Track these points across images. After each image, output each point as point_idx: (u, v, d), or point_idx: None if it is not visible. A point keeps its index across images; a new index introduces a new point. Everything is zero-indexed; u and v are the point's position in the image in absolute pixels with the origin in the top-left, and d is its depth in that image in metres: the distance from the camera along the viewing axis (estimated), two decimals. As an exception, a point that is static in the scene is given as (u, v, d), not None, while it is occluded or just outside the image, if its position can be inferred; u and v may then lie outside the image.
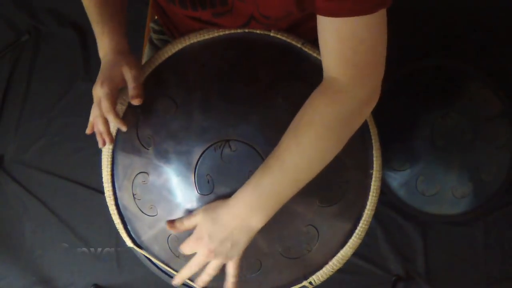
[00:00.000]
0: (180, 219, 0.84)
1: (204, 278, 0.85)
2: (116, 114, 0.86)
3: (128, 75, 0.86)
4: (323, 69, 0.79)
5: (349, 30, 0.71)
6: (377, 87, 0.77)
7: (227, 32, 0.91)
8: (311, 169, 0.78)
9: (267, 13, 0.84)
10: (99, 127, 0.88)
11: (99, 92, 0.86)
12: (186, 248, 0.83)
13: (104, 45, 0.90)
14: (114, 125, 0.91)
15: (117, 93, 0.87)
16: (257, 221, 0.79)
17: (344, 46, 0.72)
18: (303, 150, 0.76)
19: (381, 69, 0.76)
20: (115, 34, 0.90)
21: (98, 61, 1.87)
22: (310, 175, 0.79)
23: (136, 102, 0.85)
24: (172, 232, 0.88)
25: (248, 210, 0.78)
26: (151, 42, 1.22)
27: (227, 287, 0.84)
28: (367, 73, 0.75)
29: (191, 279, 0.90)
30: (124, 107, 0.92)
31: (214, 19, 0.88)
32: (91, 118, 0.91)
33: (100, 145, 0.89)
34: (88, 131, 0.92)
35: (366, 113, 0.79)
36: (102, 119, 0.87)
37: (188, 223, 0.83)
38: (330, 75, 0.77)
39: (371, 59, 0.74)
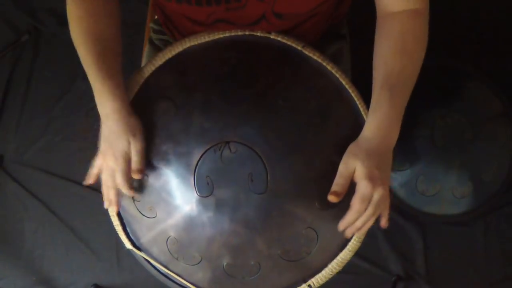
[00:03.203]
0: (336, 184, 0.83)
1: (370, 224, 0.86)
2: (131, 187, 0.89)
3: (133, 149, 0.88)
4: (393, 8, 0.87)
5: None
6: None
7: (227, 34, 0.91)
8: (417, 76, 0.88)
9: (282, 11, 0.87)
10: (110, 197, 0.91)
11: (112, 164, 0.89)
12: (360, 200, 0.83)
13: (106, 104, 0.88)
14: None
15: (129, 167, 0.89)
16: (395, 136, 0.86)
17: None
18: (417, 64, 0.87)
19: None
20: (116, 95, 0.88)
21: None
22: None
23: (136, 176, 0.88)
24: (171, 235, 0.88)
25: (390, 128, 0.85)
26: (151, 42, 1.22)
27: (385, 218, 0.87)
28: None
29: (187, 279, 0.91)
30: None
31: (226, 14, 0.88)
32: (95, 170, 0.92)
33: (106, 206, 0.93)
34: (89, 181, 0.93)
35: None
36: (115, 191, 0.90)
37: (346, 180, 0.83)
38: (409, 8, 0.87)
39: None
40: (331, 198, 0.82)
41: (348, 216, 0.85)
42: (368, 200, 0.83)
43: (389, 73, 0.85)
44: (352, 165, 0.83)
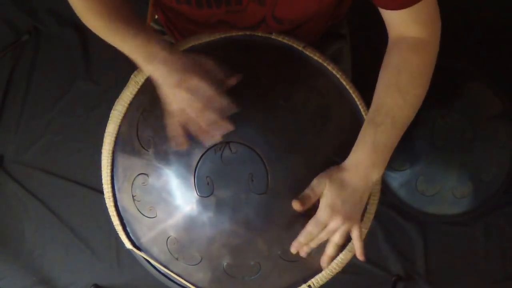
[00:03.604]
0: (303, 195, 0.83)
1: (331, 251, 0.86)
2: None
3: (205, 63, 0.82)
4: (398, 35, 0.85)
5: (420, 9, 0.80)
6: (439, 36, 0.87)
7: (228, 34, 0.91)
8: (413, 116, 0.86)
9: (282, 16, 0.86)
10: (211, 118, 0.80)
11: (196, 81, 0.79)
12: (315, 225, 0.83)
13: (158, 50, 0.81)
14: (114, 126, 0.91)
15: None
16: (376, 176, 0.84)
17: (418, 16, 0.82)
18: (410, 102, 0.84)
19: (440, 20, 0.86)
20: (161, 39, 0.83)
21: (98, 61, 1.87)
22: (411, 120, 0.86)
23: (233, 79, 0.83)
24: (172, 235, 0.88)
25: (370, 168, 0.83)
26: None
27: (359, 251, 0.86)
28: (437, 26, 0.86)
29: (187, 279, 0.91)
30: (125, 108, 0.92)
31: (226, 17, 0.88)
32: (176, 132, 0.83)
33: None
34: (184, 146, 0.84)
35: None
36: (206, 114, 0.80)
37: (314, 195, 0.83)
38: (410, 35, 0.84)
39: (436, 14, 0.85)
40: (294, 204, 0.82)
41: (299, 237, 0.85)
42: (322, 226, 0.83)
43: (378, 109, 0.83)
44: (323, 186, 0.83)
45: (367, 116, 0.85)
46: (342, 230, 0.84)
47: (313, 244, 0.86)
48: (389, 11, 0.82)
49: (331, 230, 0.84)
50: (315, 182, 0.84)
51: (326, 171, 0.84)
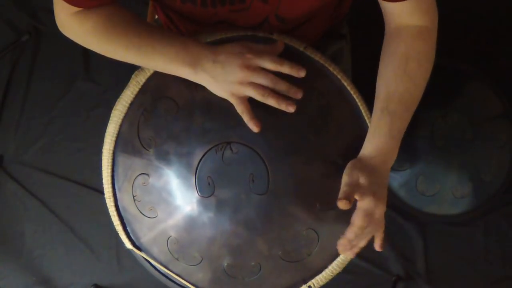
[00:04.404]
0: (343, 192, 0.79)
1: (381, 237, 0.86)
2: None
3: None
4: (399, 24, 0.86)
5: None
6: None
7: (229, 35, 0.91)
8: (420, 98, 0.88)
9: (285, 15, 0.86)
10: (281, 86, 0.82)
11: (256, 61, 0.81)
12: (368, 204, 0.80)
13: (196, 50, 0.83)
14: (114, 126, 0.91)
15: None
16: (394, 160, 0.86)
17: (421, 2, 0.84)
18: (420, 87, 0.86)
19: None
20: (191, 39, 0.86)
21: (98, 61, 1.87)
22: (420, 100, 0.88)
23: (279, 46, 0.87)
24: (172, 235, 0.88)
25: (389, 154, 0.85)
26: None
27: (378, 243, 0.86)
28: (436, 12, 0.87)
29: (187, 279, 0.91)
30: (125, 108, 0.92)
31: (230, 15, 0.88)
32: (250, 115, 0.83)
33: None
34: (258, 125, 0.83)
35: None
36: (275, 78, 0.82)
37: (351, 189, 0.79)
38: (413, 24, 0.85)
39: (434, 1, 0.86)
40: (341, 204, 0.77)
41: (349, 233, 0.82)
42: (370, 217, 0.81)
43: (390, 97, 0.84)
44: (356, 177, 0.81)
45: (377, 104, 0.85)
46: (382, 216, 0.83)
47: (362, 243, 0.84)
48: (391, 3, 0.83)
49: (377, 220, 0.82)
50: (346, 177, 0.81)
51: (349, 165, 0.83)
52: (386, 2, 0.84)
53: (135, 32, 0.85)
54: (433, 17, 0.87)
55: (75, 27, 0.88)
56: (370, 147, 0.85)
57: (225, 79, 0.81)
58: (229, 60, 0.81)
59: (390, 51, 0.87)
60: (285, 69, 0.82)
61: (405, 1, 0.82)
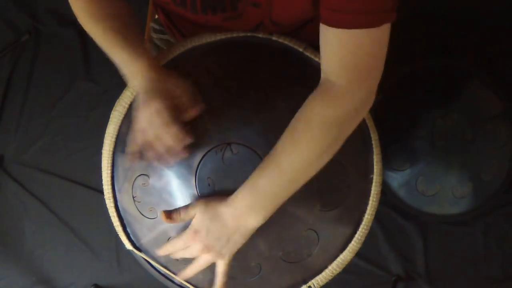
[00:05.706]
0: (177, 210, 0.81)
1: (189, 272, 0.84)
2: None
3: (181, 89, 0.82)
4: (322, 71, 0.79)
5: (352, 40, 0.72)
6: (373, 91, 0.78)
7: (229, 35, 0.91)
8: (307, 170, 0.79)
9: (279, 19, 0.85)
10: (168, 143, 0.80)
11: (157, 105, 0.77)
12: (180, 241, 0.82)
13: (141, 67, 0.81)
14: (114, 127, 0.91)
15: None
16: (253, 222, 0.79)
17: (345, 52, 0.74)
18: (300, 151, 0.77)
19: (379, 73, 0.77)
20: (148, 55, 0.83)
21: (98, 61, 1.87)
22: (307, 176, 0.79)
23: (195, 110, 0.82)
24: (172, 235, 0.88)
25: (246, 210, 0.78)
26: (151, 41, 1.22)
27: (218, 286, 0.83)
28: (365, 77, 0.77)
29: (187, 280, 0.90)
30: (125, 109, 0.92)
31: (224, 23, 0.88)
32: (133, 148, 0.82)
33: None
34: (130, 161, 0.86)
35: (361, 115, 0.81)
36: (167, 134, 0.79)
37: (185, 215, 0.81)
38: (328, 78, 0.78)
39: (371, 64, 0.76)
40: (161, 214, 0.81)
41: (167, 244, 0.85)
42: (183, 245, 0.82)
43: (269, 153, 0.79)
44: (196, 209, 0.81)
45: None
46: (203, 258, 0.82)
47: (177, 256, 0.85)
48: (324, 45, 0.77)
49: (192, 253, 0.82)
50: (194, 202, 0.82)
51: (209, 197, 0.82)
52: (321, 45, 0.78)
53: (112, 24, 0.85)
54: (355, 78, 0.77)
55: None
56: (234, 195, 0.80)
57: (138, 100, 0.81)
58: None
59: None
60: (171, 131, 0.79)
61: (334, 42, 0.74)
